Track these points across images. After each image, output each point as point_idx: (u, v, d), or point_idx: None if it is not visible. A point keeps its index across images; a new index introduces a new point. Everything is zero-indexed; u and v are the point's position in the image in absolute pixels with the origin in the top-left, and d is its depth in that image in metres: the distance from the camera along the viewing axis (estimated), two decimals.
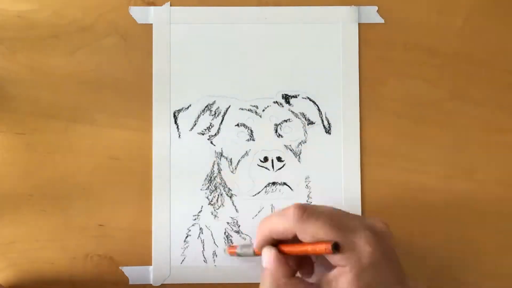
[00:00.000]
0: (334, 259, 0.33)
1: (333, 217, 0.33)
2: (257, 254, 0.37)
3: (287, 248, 0.35)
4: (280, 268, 0.35)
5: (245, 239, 0.43)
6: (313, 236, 0.33)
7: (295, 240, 0.34)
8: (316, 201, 0.43)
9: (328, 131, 0.44)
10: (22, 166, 0.43)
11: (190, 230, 0.43)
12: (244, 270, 0.43)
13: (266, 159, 0.43)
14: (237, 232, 0.43)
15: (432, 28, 0.44)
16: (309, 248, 0.33)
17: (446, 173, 0.43)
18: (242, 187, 0.43)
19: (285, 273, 0.35)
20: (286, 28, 0.44)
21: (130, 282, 0.42)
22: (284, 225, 0.34)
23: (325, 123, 0.44)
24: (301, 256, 0.36)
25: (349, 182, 0.43)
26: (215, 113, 0.44)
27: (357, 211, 0.43)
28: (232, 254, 0.41)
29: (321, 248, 0.32)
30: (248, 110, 0.44)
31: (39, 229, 0.43)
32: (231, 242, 0.43)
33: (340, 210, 0.35)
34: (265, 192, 0.43)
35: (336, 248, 0.32)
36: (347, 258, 0.32)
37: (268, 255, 0.35)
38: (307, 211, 0.34)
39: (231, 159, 0.43)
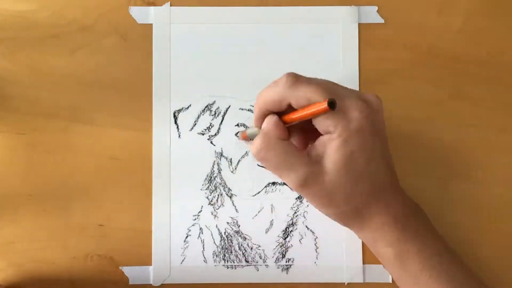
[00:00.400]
0: (324, 124, 0.33)
1: (325, 83, 0.34)
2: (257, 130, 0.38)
3: (283, 117, 0.35)
4: (276, 130, 0.35)
5: (245, 238, 0.43)
6: (307, 99, 0.33)
7: (289, 111, 0.35)
8: None
9: None
10: (22, 166, 0.43)
11: (190, 230, 0.43)
12: (244, 270, 0.43)
13: None
14: (237, 232, 0.43)
15: (432, 28, 0.44)
16: (304, 112, 0.33)
17: (445, 173, 0.43)
18: (242, 187, 0.43)
19: (280, 135, 0.35)
20: (286, 28, 0.44)
21: (130, 282, 0.42)
22: (277, 93, 0.34)
23: None
24: (294, 130, 0.37)
25: None
26: (215, 113, 0.44)
27: None
28: (244, 138, 0.41)
29: (317, 107, 0.32)
30: (248, 110, 0.44)
31: (39, 229, 0.43)
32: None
33: (333, 82, 0.35)
34: (265, 192, 0.43)
35: (332, 105, 0.32)
36: (336, 123, 0.33)
37: (266, 121, 0.36)
38: (299, 78, 0.34)
39: (231, 159, 0.43)
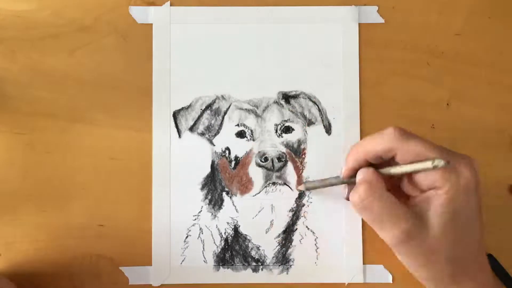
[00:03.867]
0: (430, 179, 0.34)
1: (430, 141, 0.34)
2: (345, 180, 0.38)
3: (380, 170, 0.36)
4: (378, 180, 0.35)
5: (245, 239, 0.43)
6: (417, 154, 0.34)
7: (385, 165, 0.35)
8: (316, 201, 0.43)
9: (328, 131, 0.44)
10: (22, 166, 0.43)
11: (190, 230, 0.43)
12: (244, 270, 0.43)
13: (266, 159, 0.43)
14: (237, 232, 0.43)
15: (432, 28, 0.44)
16: (417, 166, 0.34)
17: None
18: (242, 187, 0.43)
19: (383, 186, 0.35)
20: (286, 28, 0.44)
21: (130, 282, 0.42)
22: (383, 145, 0.35)
23: (325, 123, 0.44)
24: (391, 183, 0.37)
25: None
26: (215, 113, 0.44)
27: None
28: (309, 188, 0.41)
29: (427, 164, 0.33)
30: (248, 110, 0.44)
31: (39, 229, 0.43)
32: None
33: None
34: (265, 192, 0.43)
35: (447, 164, 0.33)
36: (445, 180, 0.33)
37: (365, 171, 0.36)
38: (408, 132, 0.35)
39: (231, 159, 0.43)
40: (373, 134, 0.36)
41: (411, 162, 0.34)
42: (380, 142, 0.35)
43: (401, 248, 0.35)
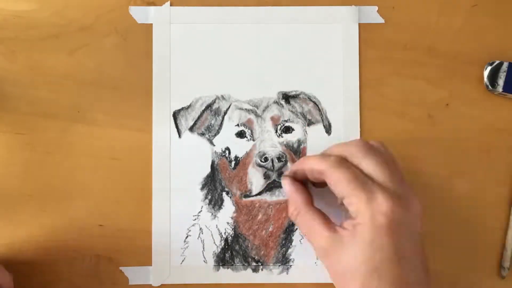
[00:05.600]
0: (350, 208, 0.35)
1: (358, 175, 0.35)
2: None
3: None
4: (300, 195, 0.38)
5: (245, 239, 0.43)
6: (336, 186, 0.35)
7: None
8: (316, 201, 0.43)
9: (328, 131, 0.44)
10: (22, 166, 0.43)
11: (190, 230, 0.43)
12: (244, 270, 0.43)
13: (266, 159, 0.43)
14: (237, 232, 0.43)
15: (432, 28, 0.44)
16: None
17: (446, 173, 0.43)
18: (242, 187, 0.43)
19: (304, 200, 0.38)
20: (286, 28, 0.44)
21: (130, 282, 0.42)
22: (313, 166, 0.37)
23: (325, 123, 0.44)
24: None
25: None
26: (215, 113, 0.44)
27: None
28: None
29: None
30: (248, 110, 0.44)
31: (39, 229, 0.43)
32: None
33: (386, 164, 0.36)
34: (265, 192, 0.43)
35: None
36: (358, 213, 0.34)
37: (287, 184, 0.39)
38: (344, 161, 0.36)
39: (231, 159, 0.43)
40: (320, 154, 0.38)
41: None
42: (315, 164, 0.37)
43: (322, 260, 0.37)
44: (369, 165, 0.35)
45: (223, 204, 0.43)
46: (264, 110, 0.44)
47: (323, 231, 0.35)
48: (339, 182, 0.35)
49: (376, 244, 0.33)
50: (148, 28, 0.44)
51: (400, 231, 0.33)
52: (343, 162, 0.36)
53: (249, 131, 0.43)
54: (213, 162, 0.43)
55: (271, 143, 0.43)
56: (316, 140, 0.43)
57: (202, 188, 0.43)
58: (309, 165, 0.37)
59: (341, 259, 0.34)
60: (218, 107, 0.44)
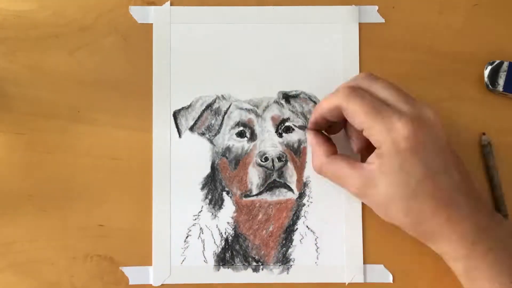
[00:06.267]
0: (372, 139, 0.36)
1: (372, 101, 0.35)
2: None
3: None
4: (322, 146, 0.39)
5: (245, 239, 0.43)
6: (353, 115, 0.36)
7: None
8: (316, 201, 0.43)
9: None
10: (22, 166, 0.43)
11: (190, 230, 0.43)
12: (245, 270, 0.43)
13: (266, 159, 0.43)
14: (237, 232, 0.43)
15: (432, 28, 0.44)
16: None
17: None
18: (242, 187, 0.43)
19: (325, 152, 0.39)
20: (286, 28, 0.44)
21: (130, 282, 0.42)
22: (329, 104, 0.37)
23: None
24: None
25: None
26: (215, 113, 0.44)
27: (358, 212, 0.42)
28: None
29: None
30: (248, 110, 0.44)
31: (39, 229, 0.43)
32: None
33: (394, 90, 0.37)
34: (266, 192, 0.43)
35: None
36: (381, 141, 0.35)
37: (309, 136, 0.41)
38: (356, 89, 0.36)
39: (231, 159, 0.43)
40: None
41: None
42: (329, 101, 0.37)
43: (361, 200, 0.39)
44: (378, 89, 0.36)
45: (224, 204, 0.43)
46: (264, 110, 0.44)
47: (352, 174, 0.36)
48: (356, 114, 0.35)
49: (406, 168, 0.34)
50: (148, 28, 0.44)
51: (425, 150, 0.35)
52: (355, 89, 0.36)
53: (250, 131, 0.43)
54: (213, 162, 0.43)
55: (271, 143, 0.43)
56: None
57: (202, 188, 0.43)
58: (325, 105, 0.38)
59: (378, 191, 0.35)
60: (218, 107, 0.44)
